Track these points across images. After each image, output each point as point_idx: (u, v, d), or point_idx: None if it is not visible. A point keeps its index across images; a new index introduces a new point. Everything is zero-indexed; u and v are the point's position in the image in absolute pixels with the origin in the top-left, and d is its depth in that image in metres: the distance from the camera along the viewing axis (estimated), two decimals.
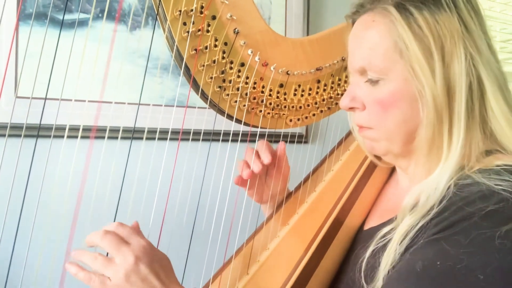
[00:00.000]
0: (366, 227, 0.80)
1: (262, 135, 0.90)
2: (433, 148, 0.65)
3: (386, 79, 0.67)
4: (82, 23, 1.17)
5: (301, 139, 1.52)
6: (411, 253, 0.59)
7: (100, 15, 1.18)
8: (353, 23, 0.74)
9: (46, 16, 1.12)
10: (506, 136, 0.64)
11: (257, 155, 0.88)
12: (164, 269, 0.66)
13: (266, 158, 0.87)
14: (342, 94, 0.93)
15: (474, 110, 0.64)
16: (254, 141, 0.91)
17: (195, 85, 0.81)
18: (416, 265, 0.56)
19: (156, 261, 0.65)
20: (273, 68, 0.85)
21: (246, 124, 0.87)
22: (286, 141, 1.08)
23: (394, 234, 0.62)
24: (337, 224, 0.79)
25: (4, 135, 0.98)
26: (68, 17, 1.15)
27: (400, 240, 0.61)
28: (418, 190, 0.64)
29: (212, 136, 1.09)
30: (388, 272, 0.61)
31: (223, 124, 0.87)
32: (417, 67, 0.64)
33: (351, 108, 0.73)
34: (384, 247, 0.64)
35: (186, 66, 0.79)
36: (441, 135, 0.64)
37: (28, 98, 1.03)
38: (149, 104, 1.16)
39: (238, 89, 0.84)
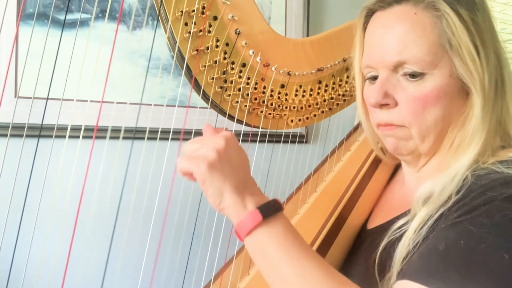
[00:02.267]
0: (371, 226, 0.80)
1: (263, 135, 0.90)
2: (458, 143, 0.66)
3: (430, 74, 0.66)
4: (82, 23, 1.17)
5: (302, 139, 1.52)
6: (432, 237, 0.58)
7: (100, 15, 1.18)
8: (369, 15, 0.72)
9: (46, 16, 1.12)
10: None
11: None
12: (246, 164, 0.65)
13: None
14: (343, 95, 0.93)
15: (497, 106, 0.65)
16: (256, 141, 0.91)
17: (197, 86, 0.81)
18: (439, 245, 0.55)
19: (241, 153, 0.64)
20: (275, 69, 0.85)
21: (247, 124, 0.87)
22: (287, 141, 1.09)
23: (410, 225, 0.62)
24: (339, 223, 0.79)
25: (5, 135, 0.98)
26: (68, 17, 1.15)
27: (417, 230, 0.61)
28: (432, 183, 0.64)
29: None
30: (403, 261, 0.60)
31: (225, 124, 0.87)
32: (469, 60, 0.64)
33: (382, 106, 0.70)
34: (397, 239, 0.64)
35: (187, 66, 0.79)
36: (468, 130, 0.65)
37: (30, 98, 1.03)
38: (150, 104, 1.17)
39: (239, 89, 0.84)
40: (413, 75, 0.66)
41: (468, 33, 0.64)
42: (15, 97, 1.06)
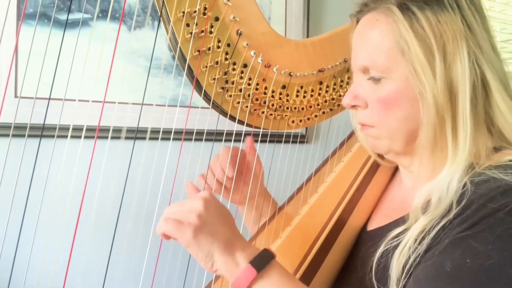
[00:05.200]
0: (370, 227, 0.80)
1: (264, 135, 0.90)
2: (437, 148, 0.66)
3: (388, 78, 0.67)
4: (83, 23, 1.17)
5: (302, 139, 1.52)
6: (437, 255, 0.58)
7: (100, 15, 1.18)
8: (357, 22, 0.74)
9: (46, 16, 1.12)
10: None
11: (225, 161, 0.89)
12: (231, 219, 0.65)
13: (230, 172, 0.87)
14: (344, 96, 0.93)
15: (479, 109, 0.65)
16: (257, 141, 0.91)
17: (198, 86, 0.81)
18: (445, 265, 0.56)
19: (223, 210, 0.65)
20: (276, 70, 0.86)
21: (248, 125, 0.87)
22: (287, 142, 1.09)
23: (407, 235, 0.62)
24: (340, 224, 0.80)
25: (7, 135, 0.98)
26: (69, 17, 1.15)
27: (418, 240, 0.61)
28: (427, 190, 0.65)
29: (215, 136, 1.09)
30: (403, 272, 0.60)
31: (226, 124, 0.88)
32: (418, 67, 0.64)
33: (353, 106, 0.74)
34: (395, 247, 0.64)
35: (189, 67, 0.79)
36: (444, 135, 0.65)
37: (31, 98, 1.03)
38: (152, 104, 1.17)
39: (240, 90, 0.84)
40: (375, 79, 0.69)
41: (419, 39, 0.64)
42: (15, 97, 1.06)
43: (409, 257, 0.60)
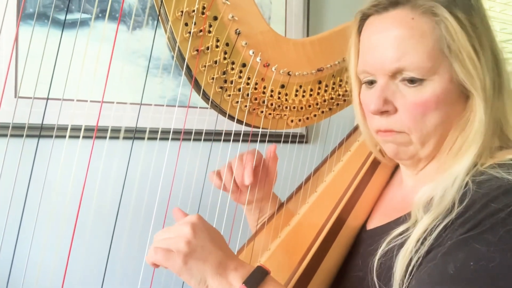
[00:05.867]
0: (370, 226, 0.80)
1: (263, 135, 0.90)
2: (459, 146, 0.66)
3: (429, 80, 0.65)
4: (83, 23, 1.17)
5: (302, 139, 1.52)
6: (440, 256, 0.57)
7: (100, 15, 1.18)
8: (364, 19, 0.72)
9: (46, 16, 1.12)
10: None
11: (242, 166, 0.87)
12: (221, 240, 0.66)
13: (248, 179, 0.85)
14: (343, 95, 0.93)
15: (494, 108, 0.65)
16: (256, 141, 0.91)
17: (197, 86, 0.81)
18: (448, 267, 0.55)
19: (212, 232, 0.65)
20: (275, 69, 0.85)
21: (247, 125, 0.87)
22: (287, 141, 1.09)
23: (412, 233, 0.62)
24: (339, 223, 0.79)
25: (5, 135, 0.98)
26: (68, 17, 1.15)
27: (420, 240, 0.60)
28: (431, 187, 0.64)
29: (213, 136, 1.09)
30: (406, 272, 0.60)
31: (225, 124, 0.87)
32: (470, 66, 0.63)
33: (383, 113, 0.69)
34: (398, 246, 0.63)
35: (187, 66, 0.79)
36: (469, 134, 0.65)
37: (30, 98, 1.03)
38: (150, 104, 1.17)
39: (239, 89, 0.84)
40: (412, 81, 0.65)
41: (468, 36, 0.63)
42: (15, 97, 1.06)
43: (412, 258, 0.60)
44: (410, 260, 0.60)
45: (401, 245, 0.63)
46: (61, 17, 1.13)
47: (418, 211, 0.63)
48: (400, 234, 0.64)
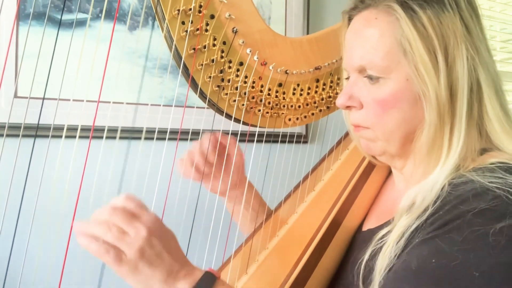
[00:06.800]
0: (365, 228, 0.80)
1: (260, 135, 0.89)
2: (434, 149, 0.65)
3: (387, 78, 0.66)
4: (82, 23, 1.16)
5: (301, 139, 1.51)
6: (407, 253, 0.58)
7: (100, 15, 1.18)
8: (350, 19, 0.72)
9: (45, 15, 1.11)
10: (499, 138, 0.64)
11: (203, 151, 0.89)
12: (175, 245, 0.63)
13: (211, 157, 0.87)
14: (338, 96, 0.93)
15: (473, 111, 0.64)
16: (253, 141, 0.90)
17: (194, 85, 0.81)
18: (412, 263, 0.56)
19: (167, 237, 0.62)
20: (272, 67, 0.85)
21: (245, 123, 0.86)
22: (285, 141, 1.08)
23: (389, 237, 0.62)
24: (336, 224, 0.79)
25: (1, 135, 0.98)
26: (67, 17, 1.14)
27: (396, 242, 0.61)
28: (415, 192, 0.64)
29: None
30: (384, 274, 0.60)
31: (222, 124, 0.87)
32: (422, 67, 0.63)
33: (348, 107, 0.71)
34: (379, 250, 0.63)
35: (184, 65, 0.79)
36: (442, 136, 0.64)
37: (25, 98, 1.03)
38: (147, 104, 1.16)
39: (236, 88, 0.84)
40: (372, 79, 0.67)
41: (422, 39, 0.62)
42: (13, 97, 1.05)
43: (390, 259, 0.60)
44: (389, 262, 0.60)
45: (381, 248, 0.63)
46: (61, 16, 1.13)
47: (400, 215, 0.63)
48: (381, 238, 0.64)
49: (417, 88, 0.64)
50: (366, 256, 0.65)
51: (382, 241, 0.64)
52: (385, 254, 0.61)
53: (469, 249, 0.53)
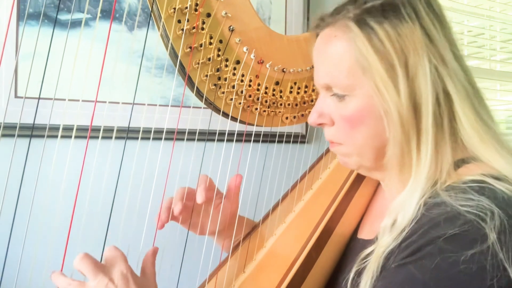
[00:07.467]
0: (359, 235, 0.79)
1: (257, 135, 0.89)
2: (404, 165, 0.64)
3: (352, 96, 0.65)
4: (81, 23, 1.16)
5: (300, 139, 1.51)
6: (383, 277, 0.59)
7: (100, 15, 1.17)
8: (317, 36, 0.71)
9: (46, 16, 1.11)
10: (475, 147, 0.63)
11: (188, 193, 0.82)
12: None
13: (200, 197, 0.80)
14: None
15: (443, 123, 0.62)
16: (250, 140, 0.90)
17: (190, 83, 0.81)
18: None
19: None
20: (269, 66, 0.85)
21: (241, 122, 0.86)
22: (282, 141, 1.08)
23: (372, 257, 0.62)
24: (331, 226, 0.78)
25: None
26: (67, 17, 1.14)
27: (377, 264, 0.60)
28: (395, 208, 0.63)
29: (207, 135, 1.08)
30: None
31: (219, 124, 0.87)
32: (381, 84, 0.62)
33: (320, 124, 0.71)
34: (363, 269, 0.63)
35: (181, 64, 0.78)
36: (410, 152, 0.63)
37: (21, 98, 1.03)
38: (144, 104, 1.16)
39: (233, 86, 0.83)
40: (338, 96, 0.66)
41: (379, 55, 0.61)
42: (13, 97, 1.05)
43: (372, 280, 0.60)
44: (370, 283, 0.60)
45: (365, 267, 0.63)
46: (61, 17, 1.13)
47: (383, 233, 0.62)
48: (366, 257, 0.64)
49: (379, 105, 0.63)
50: (352, 273, 0.65)
51: (366, 261, 0.63)
52: (368, 274, 0.61)
53: (441, 277, 0.53)
